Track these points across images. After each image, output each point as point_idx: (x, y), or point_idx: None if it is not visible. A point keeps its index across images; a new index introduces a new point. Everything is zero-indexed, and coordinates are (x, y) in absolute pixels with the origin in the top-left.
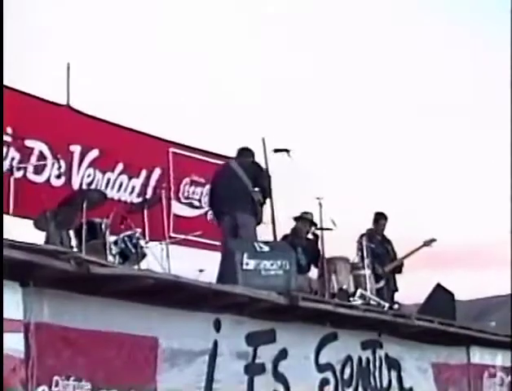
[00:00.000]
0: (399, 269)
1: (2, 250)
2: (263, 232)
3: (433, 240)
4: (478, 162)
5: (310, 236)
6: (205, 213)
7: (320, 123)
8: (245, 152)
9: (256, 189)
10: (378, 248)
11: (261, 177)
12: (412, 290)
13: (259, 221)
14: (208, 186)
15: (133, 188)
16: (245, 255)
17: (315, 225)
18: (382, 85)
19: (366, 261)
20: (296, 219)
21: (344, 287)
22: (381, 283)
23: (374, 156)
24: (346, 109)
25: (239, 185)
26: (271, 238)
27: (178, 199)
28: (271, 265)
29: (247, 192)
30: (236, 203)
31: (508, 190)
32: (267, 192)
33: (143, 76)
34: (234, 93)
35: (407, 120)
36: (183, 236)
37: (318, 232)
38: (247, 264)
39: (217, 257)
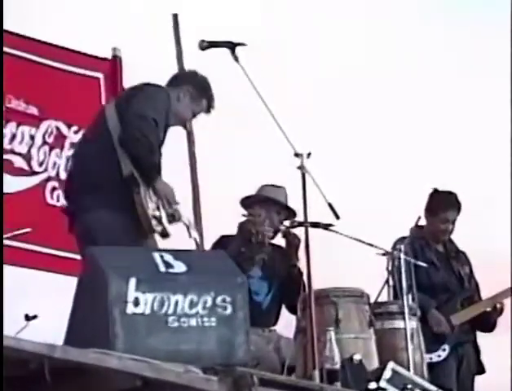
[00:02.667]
0: (487, 322)
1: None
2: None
3: None
4: None
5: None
6: (42, 186)
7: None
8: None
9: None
10: (441, 270)
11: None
12: None
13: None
14: (56, 124)
15: None
16: (133, 282)
17: (294, 215)
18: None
19: (407, 300)
20: (246, 203)
21: (356, 357)
22: (444, 353)
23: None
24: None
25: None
26: (191, 244)
27: None
28: (192, 305)
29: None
30: (88, 190)
31: None
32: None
33: None
34: None
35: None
36: None
37: (297, 231)
38: (136, 302)
39: (69, 284)
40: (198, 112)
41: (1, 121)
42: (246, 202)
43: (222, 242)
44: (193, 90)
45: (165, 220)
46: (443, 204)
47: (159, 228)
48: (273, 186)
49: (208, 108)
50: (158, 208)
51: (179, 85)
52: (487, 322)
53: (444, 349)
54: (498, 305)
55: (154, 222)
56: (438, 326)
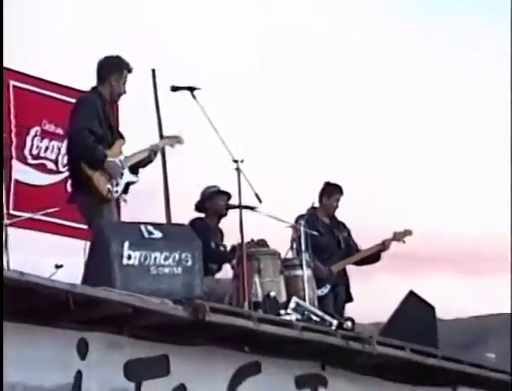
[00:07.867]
0: (375, 257)
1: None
2: (154, 214)
3: (407, 233)
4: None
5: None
6: (65, 181)
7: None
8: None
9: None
10: (324, 236)
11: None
12: (372, 302)
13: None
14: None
15: None
16: (126, 244)
17: (230, 196)
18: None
19: (305, 257)
20: (200, 206)
21: (272, 293)
22: (326, 290)
23: (325, 99)
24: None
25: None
26: (162, 219)
27: (23, 159)
28: (165, 259)
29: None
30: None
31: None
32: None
33: None
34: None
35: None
36: (28, 215)
37: (233, 212)
38: (129, 257)
39: (83, 246)
40: (126, 79)
41: (1, 129)
42: (200, 205)
43: (195, 223)
44: (116, 74)
45: (118, 188)
46: (336, 190)
47: (113, 195)
48: (211, 186)
49: (129, 71)
50: (110, 180)
51: (106, 79)
52: (374, 258)
53: (326, 287)
54: (386, 244)
55: (106, 193)
56: (318, 273)
